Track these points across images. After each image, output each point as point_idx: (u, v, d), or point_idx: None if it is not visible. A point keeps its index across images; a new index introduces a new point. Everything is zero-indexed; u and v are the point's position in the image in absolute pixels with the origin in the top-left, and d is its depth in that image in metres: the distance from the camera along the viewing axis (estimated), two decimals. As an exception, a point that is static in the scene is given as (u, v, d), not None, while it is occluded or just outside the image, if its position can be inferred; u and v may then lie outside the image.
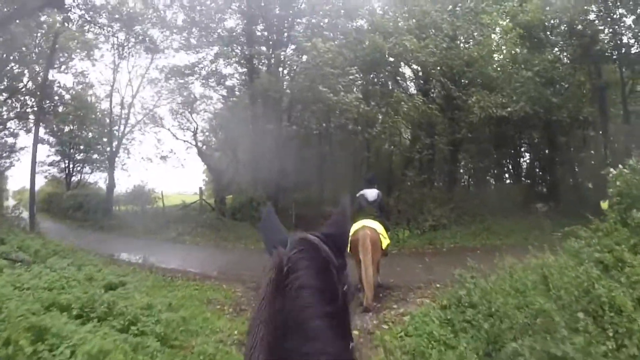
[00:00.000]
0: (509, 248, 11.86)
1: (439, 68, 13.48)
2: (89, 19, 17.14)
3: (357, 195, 6.91)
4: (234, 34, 15.88)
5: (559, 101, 14.10)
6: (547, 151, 17.66)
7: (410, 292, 7.46)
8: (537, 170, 18.67)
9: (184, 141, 17.76)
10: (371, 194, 6.87)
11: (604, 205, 13.64)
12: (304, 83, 12.94)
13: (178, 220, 15.30)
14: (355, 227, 6.03)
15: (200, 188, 16.13)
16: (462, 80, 14.20)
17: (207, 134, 18.51)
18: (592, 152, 19.08)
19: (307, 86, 12.55)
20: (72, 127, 22.06)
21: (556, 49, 14.92)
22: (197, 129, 17.57)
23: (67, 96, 20.15)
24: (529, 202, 16.49)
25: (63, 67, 19.50)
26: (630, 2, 14.29)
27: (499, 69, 14.23)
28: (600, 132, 16.72)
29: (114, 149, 19.66)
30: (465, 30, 13.72)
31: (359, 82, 13.04)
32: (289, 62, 15.16)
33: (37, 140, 16.38)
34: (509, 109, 12.52)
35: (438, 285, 7.44)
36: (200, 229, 14.41)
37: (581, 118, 15.09)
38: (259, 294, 0.83)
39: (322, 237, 0.86)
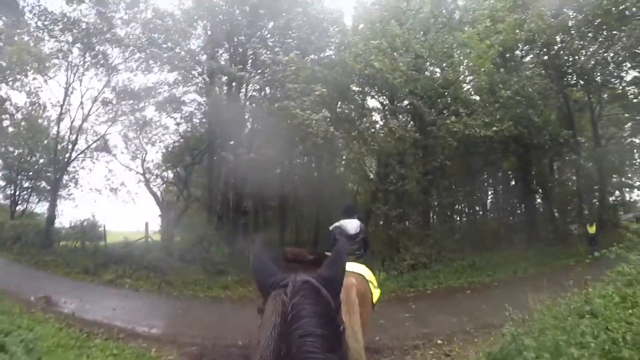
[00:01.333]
0: (503, 284, 10.38)
1: (409, 90, 11.84)
2: (42, 26, 15.19)
3: (332, 227, 4.96)
4: (196, 57, 13.89)
5: (540, 122, 12.86)
6: (524, 178, 16.26)
7: (407, 356, 5.66)
8: (514, 199, 17.21)
9: (135, 172, 15.22)
10: (351, 225, 4.90)
11: (591, 229, 12.47)
12: (266, 101, 10.89)
13: (120, 260, 12.71)
14: None
15: (147, 223, 13.74)
16: (438, 104, 12.56)
17: (158, 164, 16.06)
18: (563, 177, 18.41)
19: (269, 99, 10.52)
20: (21, 151, 19.52)
21: (532, 66, 13.74)
22: (145, 156, 15.14)
23: (19, 115, 17.95)
24: (508, 234, 15.07)
25: (16, 83, 16.96)
26: (590, 31, 13.64)
27: (475, 91, 12.69)
28: (574, 157, 15.68)
29: (57, 177, 16.86)
30: (439, 49, 12.23)
31: (327, 98, 11.11)
32: (249, 84, 13.07)
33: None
34: (494, 128, 10.93)
35: (440, 342, 6.07)
36: (143, 270, 11.94)
37: (561, 141, 13.82)
38: (259, 332, 0.81)
39: (320, 279, 0.86)
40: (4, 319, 6.16)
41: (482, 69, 11.87)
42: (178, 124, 14.82)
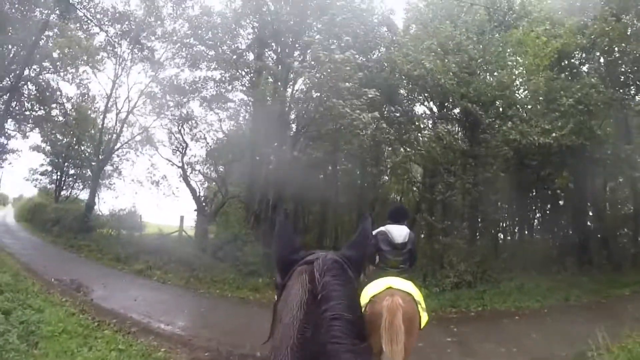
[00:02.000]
0: (554, 312, 9.19)
1: (461, 94, 10.88)
2: (92, 20, 15.56)
3: (375, 232, 3.90)
4: (243, 55, 13.56)
5: (602, 134, 11.50)
6: (577, 197, 14.75)
7: None
8: (565, 220, 15.65)
9: (177, 166, 15.00)
10: (399, 232, 3.95)
11: None
12: (314, 97, 10.26)
13: (152, 251, 12.44)
14: (373, 288, 3.41)
15: (182, 217, 13.42)
16: (491, 109, 11.51)
17: (198, 159, 15.84)
18: (617, 197, 16.77)
19: (318, 99, 9.88)
20: (69, 139, 20.00)
21: (591, 74, 12.39)
22: (186, 149, 14.87)
23: (69, 105, 18.15)
24: (560, 256, 13.64)
25: (67, 75, 17.43)
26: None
27: (532, 96, 11.52)
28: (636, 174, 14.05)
29: (100, 165, 17.02)
30: (494, 50, 11.23)
31: (377, 103, 10.36)
32: (297, 78, 12.48)
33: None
34: (554, 135, 9.74)
35: None
36: (174, 264, 11.55)
37: (622, 156, 12.37)
38: (285, 309, 0.74)
39: (344, 259, 0.81)
40: (12, 297, 5.80)
41: (540, 69, 10.72)
42: (221, 120, 14.51)
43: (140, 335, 6.06)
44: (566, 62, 12.89)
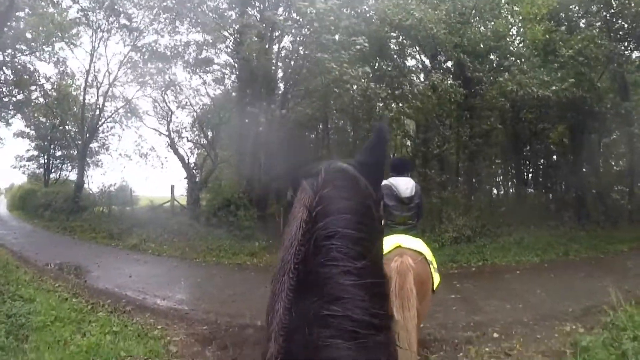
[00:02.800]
0: (555, 267, 9.06)
1: (454, 44, 10.31)
2: None
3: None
4: (225, 15, 12.74)
5: (603, 88, 11.08)
6: (574, 152, 14.48)
7: (459, 353, 4.46)
8: (562, 174, 15.43)
9: (160, 134, 14.43)
10: (405, 185, 3.48)
11: None
12: (301, 53, 9.66)
13: (145, 224, 12.08)
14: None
15: (172, 186, 12.90)
16: (487, 60, 10.98)
17: (185, 125, 15.25)
18: (612, 153, 16.62)
19: (304, 55, 9.29)
20: (52, 121, 19.54)
21: (596, 29, 11.84)
22: (171, 116, 14.26)
23: (48, 86, 17.45)
24: (558, 211, 13.48)
25: (44, 54, 16.63)
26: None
27: (531, 46, 10.96)
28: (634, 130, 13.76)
29: (85, 143, 16.40)
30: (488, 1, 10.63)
31: (366, 53, 9.75)
32: (283, 35, 11.74)
33: None
34: (553, 88, 9.29)
35: (497, 335, 4.90)
36: (167, 235, 11.20)
37: (622, 112, 12.00)
38: (287, 231, 0.64)
39: (357, 165, 0.67)
40: (1, 289, 5.56)
41: (538, 18, 10.16)
42: (206, 84, 13.82)
43: (135, 313, 5.77)
44: (563, 15, 12.31)
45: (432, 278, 3.08)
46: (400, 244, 2.98)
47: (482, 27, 11.62)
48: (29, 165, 21.64)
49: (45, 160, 21.94)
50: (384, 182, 3.43)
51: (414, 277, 2.75)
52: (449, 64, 11.94)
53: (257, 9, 12.69)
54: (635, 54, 13.80)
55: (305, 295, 0.54)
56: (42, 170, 22.11)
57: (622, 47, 12.81)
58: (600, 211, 13.43)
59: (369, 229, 0.59)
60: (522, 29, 11.55)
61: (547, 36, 10.62)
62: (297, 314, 0.54)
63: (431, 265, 3.11)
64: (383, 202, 3.18)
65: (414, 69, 12.46)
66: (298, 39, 10.42)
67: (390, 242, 3.00)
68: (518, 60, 10.76)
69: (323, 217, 0.57)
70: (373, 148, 0.74)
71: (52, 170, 22.40)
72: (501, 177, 15.47)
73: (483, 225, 10.93)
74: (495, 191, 15.97)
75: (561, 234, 11.45)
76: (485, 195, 13.07)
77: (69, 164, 21.76)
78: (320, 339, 0.50)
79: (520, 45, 11.41)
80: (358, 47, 9.26)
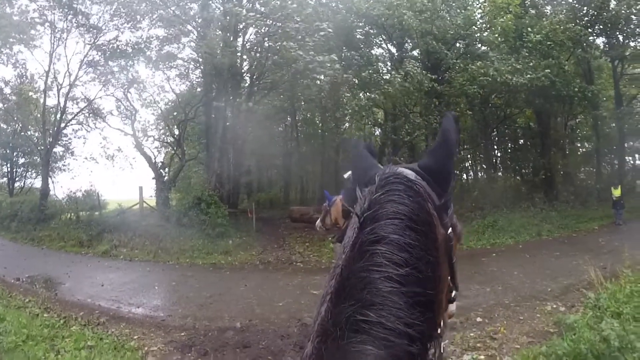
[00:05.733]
0: (529, 248, 9.00)
1: (425, 31, 10.14)
2: None
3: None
4: (187, 8, 12.15)
5: (571, 73, 11.18)
6: (541, 134, 14.71)
7: (443, 340, 4.19)
8: (531, 157, 15.66)
9: (125, 133, 13.73)
10: None
11: (616, 191, 11.24)
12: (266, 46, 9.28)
13: (115, 229, 11.44)
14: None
15: (140, 187, 12.25)
16: (456, 48, 10.88)
17: (149, 124, 14.57)
18: (579, 136, 17.13)
19: (268, 48, 8.92)
20: (13, 126, 18.50)
21: (564, 11, 11.92)
22: (135, 115, 13.56)
23: (7, 90, 16.49)
24: (529, 192, 13.66)
25: (3, 57, 15.64)
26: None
27: (501, 33, 10.89)
28: (601, 113, 14.09)
29: (48, 148, 15.47)
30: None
31: (332, 42, 9.44)
32: (247, 27, 11.26)
33: None
34: (528, 76, 9.24)
35: (480, 319, 4.85)
36: (138, 239, 10.63)
37: (589, 95, 12.21)
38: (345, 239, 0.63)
39: (419, 170, 0.64)
40: None
41: (509, 8, 10.09)
42: (169, 79, 13.19)
43: (110, 324, 5.40)
44: (528, 2, 12.35)
45: None
46: None
47: (449, 16, 11.53)
48: (-10, 175, 20.50)
49: (9, 169, 20.74)
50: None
51: None
52: (415, 52, 11.82)
53: (220, 1, 12.22)
54: (599, 40, 14.16)
55: (345, 299, 0.52)
56: (5, 179, 20.96)
57: (587, 33, 13.11)
58: (570, 192, 13.74)
59: (421, 235, 0.55)
60: (491, 18, 11.46)
61: (516, 23, 10.56)
62: (333, 317, 0.52)
63: None
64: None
65: (380, 57, 12.25)
66: (263, 30, 9.99)
67: None
68: (486, 48, 10.65)
69: (372, 222, 0.56)
70: (437, 149, 0.67)
71: (17, 179, 21.16)
72: (470, 162, 15.53)
73: (456, 210, 10.87)
74: (464, 176, 16.11)
75: (533, 214, 11.57)
76: (456, 180, 13.03)
77: (33, 172, 20.65)
78: (351, 344, 0.48)
79: (489, 32, 11.32)
80: (322, 33, 8.96)
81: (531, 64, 10.11)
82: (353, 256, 0.54)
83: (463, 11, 11.11)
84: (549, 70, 10.02)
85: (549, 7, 13.33)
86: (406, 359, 0.48)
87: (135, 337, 4.87)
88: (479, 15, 10.94)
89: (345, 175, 3.99)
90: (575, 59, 13.36)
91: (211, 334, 4.90)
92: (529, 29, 10.32)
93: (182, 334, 4.94)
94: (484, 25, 11.04)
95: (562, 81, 11.33)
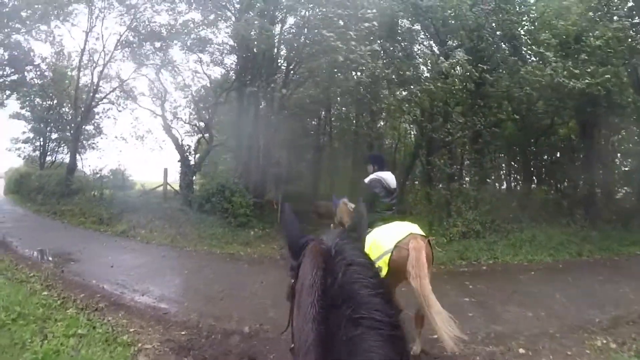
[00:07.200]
0: (570, 268, 8.15)
1: (479, 25, 9.32)
2: None
3: (370, 180, 4.26)
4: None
5: (627, 82, 10.13)
6: (586, 147, 13.56)
7: None
8: (573, 171, 14.49)
9: (155, 115, 13.50)
10: (391, 179, 4.32)
11: None
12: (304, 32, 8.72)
13: (136, 210, 11.23)
14: (393, 233, 3.61)
15: (165, 169, 11.96)
16: (505, 48, 10.01)
17: (179, 106, 14.33)
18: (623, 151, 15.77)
19: (307, 36, 8.36)
20: (48, 102, 18.74)
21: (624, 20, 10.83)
22: (165, 96, 13.30)
23: (44, 66, 16.61)
24: (570, 208, 12.63)
25: (40, 34, 15.71)
26: None
27: (560, 34, 9.91)
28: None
29: (78, 125, 15.51)
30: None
31: (376, 33, 8.77)
32: (287, 15, 10.72)
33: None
34: (586, 81, 8.33)
35: (523, 351, 4.18)
36: (158, 221, 10.32)
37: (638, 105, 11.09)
38: (299, 282, 0.87)
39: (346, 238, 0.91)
40: None
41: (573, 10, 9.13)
42: (201, 61, 12.81)
43: (108, 311, 4.98)
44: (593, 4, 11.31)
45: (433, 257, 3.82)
46: (411, 232, 3.65)
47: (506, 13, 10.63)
48: (24, 148, 20.72)
49: (41, 143, 20.99)
50: (373, 176, 4.27)
51: (426, 254, 3.44)
52: (459, 51, 10.99)
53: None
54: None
55: (339, 307, 0.69)
56: (38, 153, 21.16)
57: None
58: (612, 211, 12.64)
59: (370, 260, 0.84)
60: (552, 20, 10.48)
61: (577, 25, 9.61)
62: (332, 322, 0.68)
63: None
64: (375, 192, 4.20)
65: (422, 53, 11.48)
66: (304, 13, 9.41)
67: (403, 230, 3.67)
68: (542, 49, 9.69)
69: (341, 252, 0.79)
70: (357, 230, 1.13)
71: (49, 153, 21.55)
72: (504, 171, 14.54)
73: (493, 220, 10.09)
74: (497, 185, 15.14)
75: (573, 232, 10.66)
76: (493, 188, 12.14)
77: (64, 147, 20.92)
78: (356, 336, 0.65)
79: (546, 34, 10.35)
80: (367, 24, 8.30)
81: (589, 69, 9.15)
82: (335, 275, 0.75)
83: (524, 8, 10.17)
84: (608, 76, 9.03)
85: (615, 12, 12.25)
86: (396, 342, 0.67)
87: (132, 330, 4.48)
88: (536, 15, 9.94)
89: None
90: (630, 67, 12.25)
91: (214, 337, 4.37)
92: (591, 33, 9.35)
93: (183, 332, 4.52)
94: (544, 24, 10.06)
95: (618, 90, 10.32)
